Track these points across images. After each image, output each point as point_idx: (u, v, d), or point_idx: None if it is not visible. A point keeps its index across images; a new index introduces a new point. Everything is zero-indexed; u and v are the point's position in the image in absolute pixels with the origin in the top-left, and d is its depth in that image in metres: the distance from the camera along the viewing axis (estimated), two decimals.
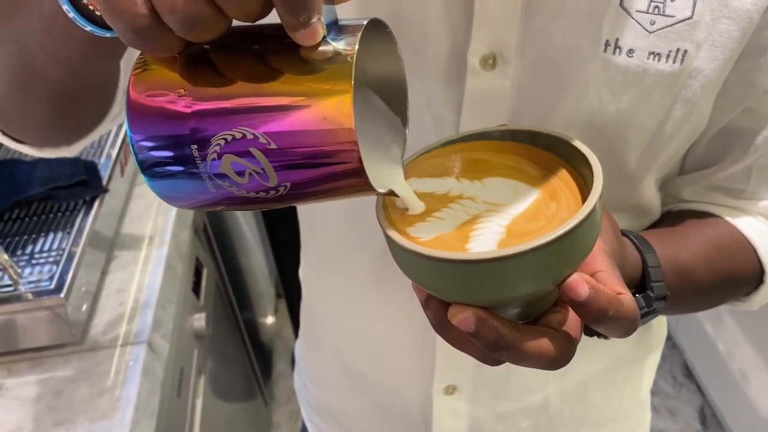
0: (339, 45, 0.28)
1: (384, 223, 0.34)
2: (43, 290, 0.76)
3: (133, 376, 0.77)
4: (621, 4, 0.42)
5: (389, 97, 0.36)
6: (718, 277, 0.52)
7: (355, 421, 0.72)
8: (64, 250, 0.81)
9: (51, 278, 0.78)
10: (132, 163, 1.06)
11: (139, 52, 0.30)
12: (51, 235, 0.84)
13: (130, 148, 0.31)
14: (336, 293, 0.65)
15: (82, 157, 0.93)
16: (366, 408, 0.69)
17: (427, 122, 0.48)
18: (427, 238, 0.33)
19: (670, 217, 0.57)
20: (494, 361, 0.35)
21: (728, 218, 0.53)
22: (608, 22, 0.42)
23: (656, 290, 0.45)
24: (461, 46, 0.45)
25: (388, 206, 0.36)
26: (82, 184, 0.87)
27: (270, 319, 1.88)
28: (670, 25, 0.42)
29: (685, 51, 0.43)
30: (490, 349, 0.32)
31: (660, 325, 0.67)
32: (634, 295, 0.45)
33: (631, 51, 0.43)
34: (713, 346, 1.78)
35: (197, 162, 0.30)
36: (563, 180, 0.35)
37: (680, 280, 0.49)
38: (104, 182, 0.90)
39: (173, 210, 1.01)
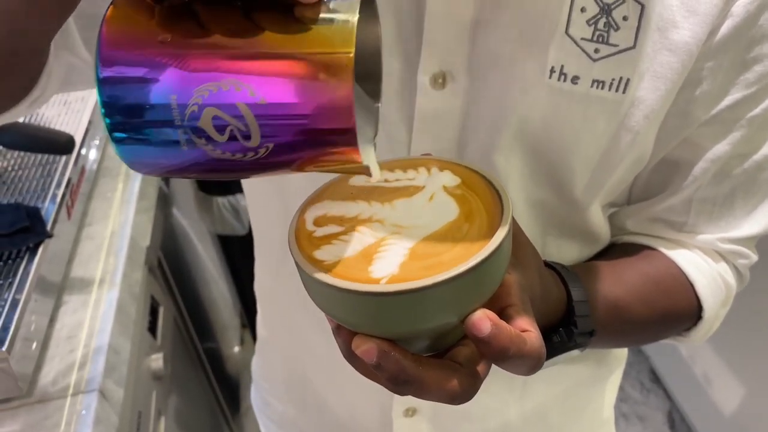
0: (338, 6, 0.28)
1: (292, 243, 0.34)
2: None
3: (84, 426, 0.74)
4: (567, 31, 0.42)
5: (361, 72, 0.35)
6: (653, 313, 0.52)
7: None
8: (6, 300, 0.79)
9: None
10: (80, 204, 1.04)
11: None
12: None
13: (98, 98, 0.28)
14: (290, 313, 0.64)
15: (24, 203, 0.91)
16: (329, 426, 0.69)
17: (381, 139, 0.48)
18: (331, 261, 0.32)
19: (611, 251, 0.56)
20: (402, 392, 0.34)
21: (667, 252, 0.53)
22: (554, 48, 0.43)
23: (580, 325, 0.45)
24: (413, 65, 0.44)
25: (301, 228, 0.35)
26: (25, 230, 0.85)
27: (236, 350, 1.84)
28: (613, 54, 0.43)
29: (628, 80, 0.43)
30: (391, 382, 0.32)
31: None
32: (557, 329, 0.45)
33: (576, 78, 0.43)
34: (677, 351, 1.81)
35: (174, 114, 0.28)
36: (483, 200, 0.35)
37: (612, 315, 0.49)
38: (49, 226, 0.88)
39: (124, 250, 0.99)
